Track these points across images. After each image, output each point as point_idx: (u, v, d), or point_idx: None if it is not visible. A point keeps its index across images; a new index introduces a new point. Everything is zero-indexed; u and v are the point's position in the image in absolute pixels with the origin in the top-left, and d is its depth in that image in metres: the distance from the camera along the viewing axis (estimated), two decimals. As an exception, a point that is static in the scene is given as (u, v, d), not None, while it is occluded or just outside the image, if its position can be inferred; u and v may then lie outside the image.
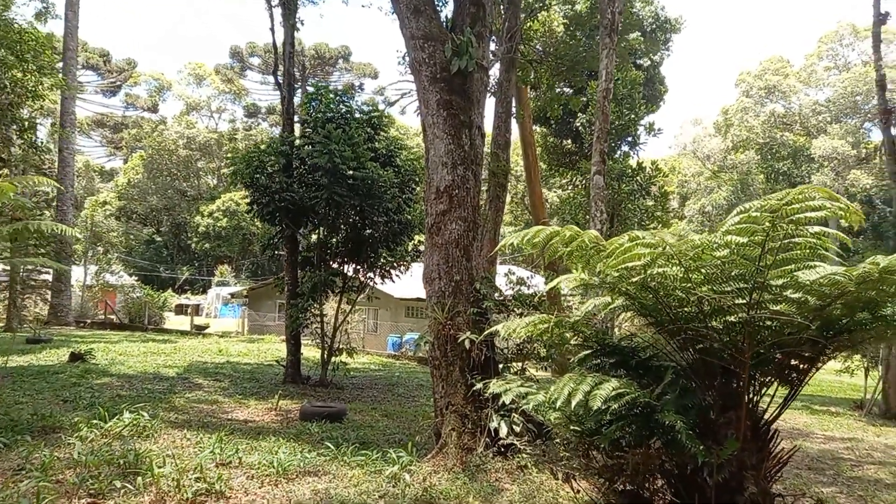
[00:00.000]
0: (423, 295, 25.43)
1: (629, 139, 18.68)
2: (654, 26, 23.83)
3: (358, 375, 17.66)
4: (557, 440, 7.58)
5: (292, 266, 15.49)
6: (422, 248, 16.04)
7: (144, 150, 70.30)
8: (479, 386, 7.66)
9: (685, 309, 4.93)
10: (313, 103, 15.48)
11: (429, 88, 8.38)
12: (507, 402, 7.54)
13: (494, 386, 7.31)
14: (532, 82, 15.90)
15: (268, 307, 33.02)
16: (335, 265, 15.84)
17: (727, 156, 57.51)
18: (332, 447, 8.11)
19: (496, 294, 8.16)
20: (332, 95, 15.52)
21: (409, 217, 15.02)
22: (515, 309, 8.09)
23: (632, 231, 4.79)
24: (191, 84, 76.02)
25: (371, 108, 15.75)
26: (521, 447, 7.52)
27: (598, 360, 5.52)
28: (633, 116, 18.68)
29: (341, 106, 15.52)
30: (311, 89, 15.74)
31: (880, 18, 17.24)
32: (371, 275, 15.86)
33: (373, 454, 7.73)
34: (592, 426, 4.80)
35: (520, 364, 8.14)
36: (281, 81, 16.22)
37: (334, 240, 15.83)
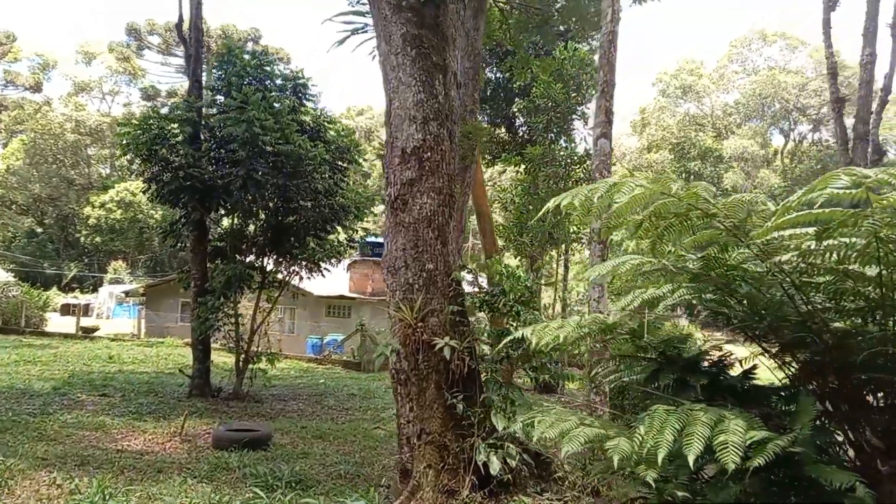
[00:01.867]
0: (346, 292, 23.01)
1: (579, 120, 17.39)
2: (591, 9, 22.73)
3: (278, 384, 15.36)
4: (563, 476, 5.88)
5: (200, 257, 13.02)
6: (358, 236, 14.01)
7: (26, 134, 63.33)
8: (462, 407, 5.84)
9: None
10: (226, 66, 13.06)
11: (391, 19, 6.43)
12: (501, 429, 5.80)
13: (506, 420, 5.53)
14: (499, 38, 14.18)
15: (169, 306, 29.63)
16: (252, 257, 13.51)
17: (642, 154, 58.38)
18: (262, 493, 6.06)
19: (478, 287, 6.33)
20: (247, 57, 13.17)
21: (343, 201, 12.91)
22: (502, 308, 6.30)
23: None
24: (80, 63, 69.32)
25: (296, 73, 13.51)
26: (519, 487, 5.76)
27: (670, 380, 3.80)
28: (580, 98, 17.37)
29: (260, 71, 13.21)
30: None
31: (830, 4, 16.74)
32: (296, 268, 13.63)
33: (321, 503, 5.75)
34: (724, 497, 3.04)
35: (508, 376, 6.34)
36: (186, 36, 13.67)
37: (252, 227, 13.49)
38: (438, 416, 5.92)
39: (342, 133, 13.62)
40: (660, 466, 2.96)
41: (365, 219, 13.82)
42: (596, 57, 18.20)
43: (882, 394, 3.27)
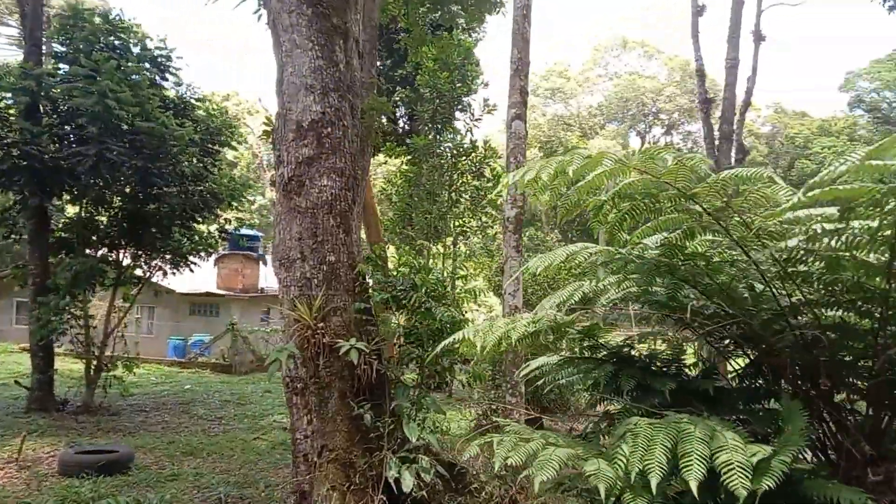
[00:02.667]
0: (213, 289, 21.24)
1: (463, 112, 17.02)
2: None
3: (137, 393, 13.66)
4: (480, 487, 5.36)
5: (40, 250, 11.16)
6: (232, 226, 12.70)
7: None
8: (370, 417, 5.13)
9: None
10: (72, 31, 11.27)
11: (285, -28, 5.56)
12: (415, 440, 5.16)
13: (418, 429, 4.89)
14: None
15: (1, 307, 26.00)
16: (105, 250, 11.83)
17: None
18: (124, 532, 5.02)
19: (387, 281, 5.63)
20: (98, 20, 11.47)
21: (215, 187, 11.60)
22: (412, 304, 5.64)
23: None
24: None
25: (158, 42, 11.96)
26: (434, 503, 5.15)
27: (631, 384, 3.34)
28: (465, 89, 17.03)
29: (114, 38, 11.56)
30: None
31: (698, 10, 17.62)
32: (159, 263, 12.11)
33: (200, 542, 4.82)
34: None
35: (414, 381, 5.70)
36: (22, -9, 11.66)
37: (105, 216, 11.81)
38: (343, 429, 5.16)
39: (213, 112, 12.26)
40: (654, 495, 2.45)
41: (241, 207, 12.56)
42: (477, 50, 17.86)
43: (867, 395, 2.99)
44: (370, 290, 5.66)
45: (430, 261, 18.24)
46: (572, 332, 3.48)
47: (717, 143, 16.23)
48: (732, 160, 15.96)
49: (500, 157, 18.67)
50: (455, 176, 16.60)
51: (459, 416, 9.09)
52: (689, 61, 59.52)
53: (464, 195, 17.06)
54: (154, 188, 11.20)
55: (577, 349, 3.69)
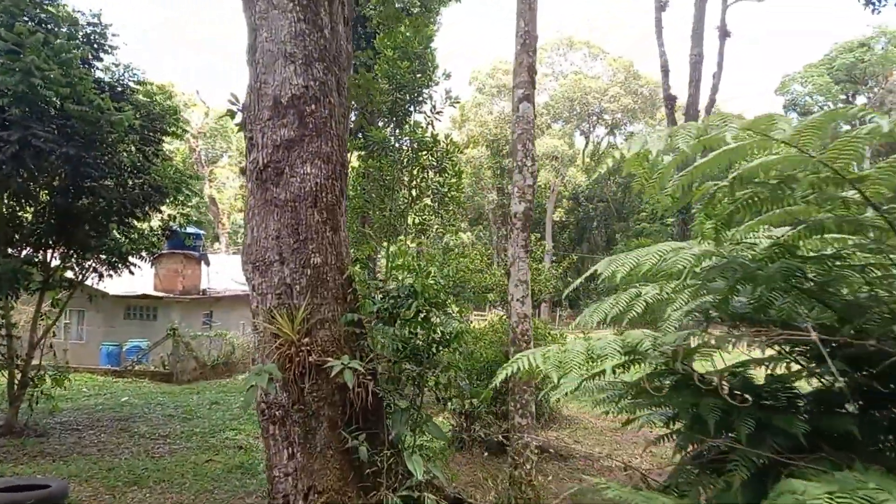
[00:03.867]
0: (150, 291, 19.72)
1: (424, 104, 16.25)
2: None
3: (68, 409, 12.31)
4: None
5: (-48, 250, 9.76)
6: (177, 222, 11.46)
7: None
8: (366, 450, 4.31)
9: None
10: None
11: (259, -82, 4.66)
12: (420, 476, 4.36)
13: (423, 462, 4.12)
14: None
15: None
16: (30, 250, 10.49)
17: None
18: None
19: (382, 288, 4.81)
20: (23, -9, 10.12)
21: (158, 179, 10.41)
22: (410, 314, 4.84)
23: None
24: None
25: (91, 17, 10.68)
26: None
27: (750, 427, 2.64)
28: (426, 80, 16.25)
29: (40, 9, 10.24)
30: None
31: (661, 5, 17.39)
32: (94, 264, 10.83)
33: None
34: None
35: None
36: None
37: (30, 211, 10.46)
38: (334, 465, 4.31)
39: (155, 96, 11.05)
40: None
41: (187, 202, 11.39)
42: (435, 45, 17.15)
43: None
44: (361, 299, 4.82)
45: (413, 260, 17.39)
46: (656, 355, 2.78)
47: (682, 140, 16.02)
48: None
49: (462, 153, 18.00)
50: (415, 171, 15.82)
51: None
52: (633, 62, 60.45)
53: (425, 192, 16.30)
54: (88, 180, 9.94)
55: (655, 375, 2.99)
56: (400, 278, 4.85)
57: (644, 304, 3.16)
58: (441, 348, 4.90)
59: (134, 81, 11.08)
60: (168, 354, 18.61)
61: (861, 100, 50.26)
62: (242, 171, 4.91)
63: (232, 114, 5.44)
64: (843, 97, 50.80)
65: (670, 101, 16.17)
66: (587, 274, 3.15)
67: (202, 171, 49.43)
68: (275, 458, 4.44)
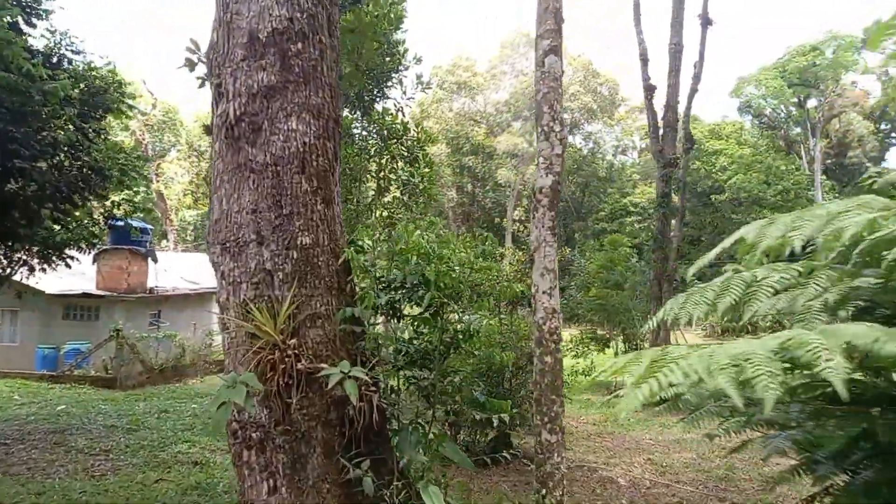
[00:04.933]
0: (92, 289, 18.15)
1: (394, 90, 15.26)
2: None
3: (-7, 420, 10.91)
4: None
5: None
6: (122, 210, 10.16)
7: None
8: (371, 481, 3.37)
9: None
10: None
11: None
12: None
13: (440, 491, 3.24)
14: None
15: None
16: (-53, 240, 9.12)
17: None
18: None
19: (384, 276, 3.86)
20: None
21: (99, 159, 9.15)
22: (422, 308, 3.92)
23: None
24: None
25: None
26: None
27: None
28: (395, 63, 15.28)
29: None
30: None
31: (638, -5, 16.84)
32: (25, 257, 9.49)
33: None
34: None
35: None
36: None
37: (-54, 195, 9.08)
38: (332, 501, 3.35)
39: (94, 68, 9.76)
40: None
41: (136, 187, 10.13)
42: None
43: None
44: (358, 289, 3.86)
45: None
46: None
47: (661, 132, 15.48)
48: (682, 150, 15.30)
49: (434, 143, 17.08)
50: (384, 161, 14.84)
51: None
52: (591, 61, 60.74)
53: (394, 183, 15.33)
54: (16, 160, 8.64)
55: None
56: (405, 265, 3.91)
57: (771, 290, 2.35)
58: (453, 350, 3.99)
59: (72, 51, 9.78)
60: (111, 358, 17.12)
61: (812, 103, 51.46)
62: (207, 131, 3.91)
63: (191, 64, 4.42)
64: (796, 100, 51.93)
65: (649, 90, 15.62)
66: (718, 249, 2.34)
67: (152, 166, 47.06)
68: (250, 493, 3.45)
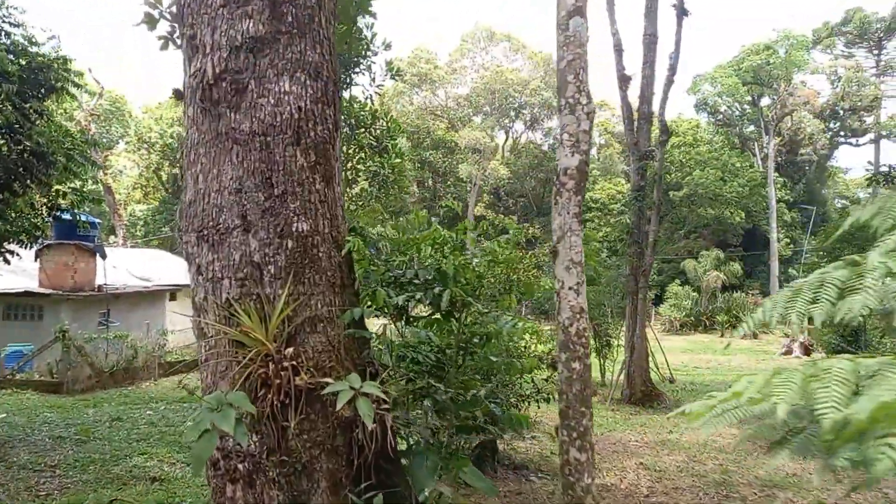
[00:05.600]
0: (34, 287, 16.86)
1: (362, 76, 14.53)
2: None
3: (-78, 434, 9.83)
4: None
5: None
6: (68, 201, 9.16)
7: None
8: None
9: None
10: None
11: None
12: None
13: None
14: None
15: None
16: None
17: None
18: None
19: (392, 270, 3.25)
20: None
21: (42, 142, 8.21)
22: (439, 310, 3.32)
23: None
24: None
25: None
26: None
27: None
28: (362, 48, 14.57)
29: None
30: None
31: (612, -18, 16.47)
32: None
33: None
34: None
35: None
36: None
37: None
38: (339, 548, 2.74)
39: (35, 43, 8.80)
40: None
41: (84, 175, 9.20)
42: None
43: None
44: (360, 287, 3.24)
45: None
46: None
47: (636, 123, 15.17)
48: (658, 142, 15.01)
49: (403, 134, 16.45)
50: (351, 151, 14.13)
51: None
52: (552, 56, 60.77)
53: (362, 174, 14.65)
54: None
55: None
56: (415, 258, 3.30)
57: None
58: (468, 357, 3.42)
59: (9, 23, 8.80)
60: (57, 361, 15.94)
61: (766, 101, 52.51)
62: (178, 95, 3.20)
63: (150, 21, 3.72)
64: (749, 98, 52.91)
65: (624, 81, 15.27)
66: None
67: (96, 156, 44.97)
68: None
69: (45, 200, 8.88)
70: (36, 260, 18.36)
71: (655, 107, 15.00)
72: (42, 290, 18.33)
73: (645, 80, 15.02)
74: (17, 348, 17.17)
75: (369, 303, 3.20)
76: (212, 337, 2.89)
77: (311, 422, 2.73)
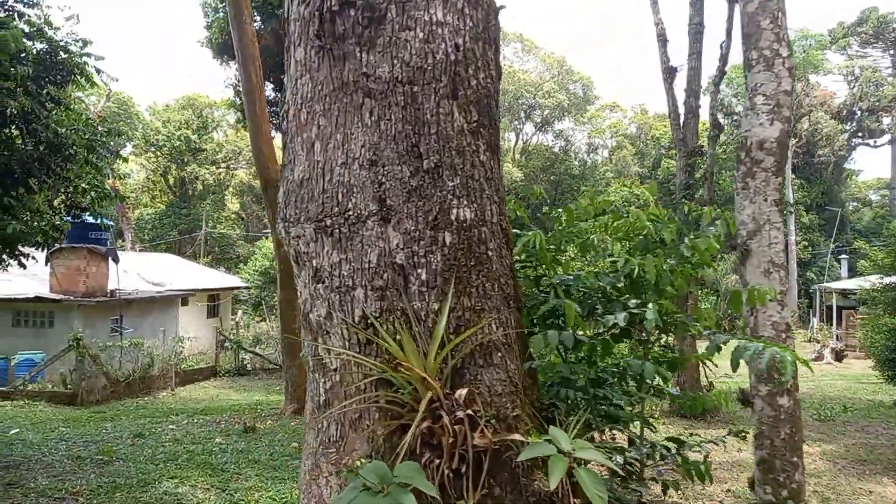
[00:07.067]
0: (45, 293, 15.95)
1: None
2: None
3: (-72, 455, 9.00)
4: None
5: None
6: (89, 199, 8.20)
7: None
8: None
9: None
10: None
11: None
12: None
13: None
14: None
15: None
16: None
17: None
18: None
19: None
20: None
21: (60, 131, 7.36)
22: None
23: None
24: None
25: None
26: None
27: None
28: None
29: None
30: None
31: (654, -31, 15.60)
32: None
33: None
34: None
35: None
36: None
37: None
38: None
39: (52, 26, 7.97)
40: None
41: (107, 168, 8.36)
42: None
43: None
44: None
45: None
46: None
47: (682, 118, 14.28)
48: (707, 138, 14.12)
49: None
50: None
51: None
52: (565, 58, 59.94)
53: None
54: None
55: None
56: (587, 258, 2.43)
57: None
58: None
59: (24, 3, 7.98)
60: (71, 370, 15.14)
61: (783, 100, 51.52)
62: (277, 35, 2.30)
63: None
64: (767, 98, 51.92)
65: (670, 73, 14.38)
66: None
67: (119, 141, 44.12)
68: None
69: (64, 198, 8.03)
70: (47, 264, 17.55)
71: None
72: (53, 296, 17.54)
73: (692, 72, 14.14)
74: (28, 356, 16.38)
75: (532, 321, 2.34)
76: (338, 369, 2.03)
77: (497, 500, 1.86)
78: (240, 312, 30.12)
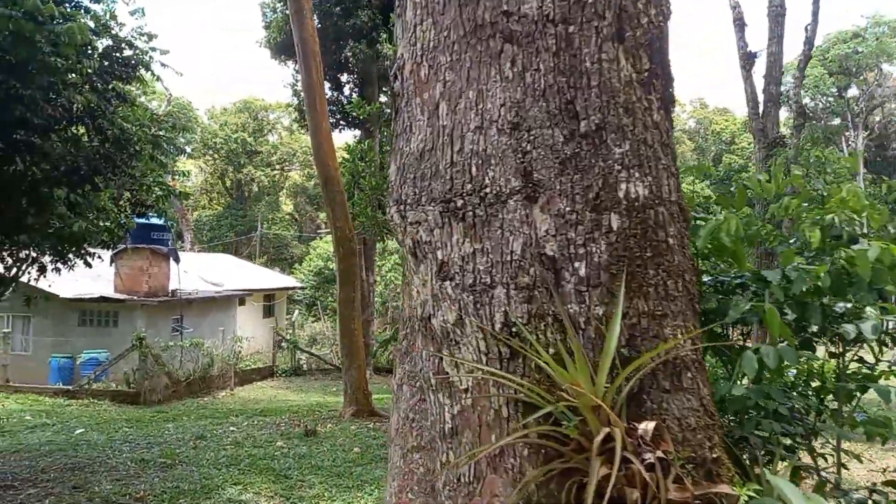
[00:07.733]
0: (110, 293, 16.07)
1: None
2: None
3: (2, 450, 9.05)
4: None
5: None
6: (154, 197, 8.07)
7: None
8: None
9: None
10: None
11: None
12: None
13: None
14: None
15: None
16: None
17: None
18: None
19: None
20: None
21: (127, 127, 7.21)
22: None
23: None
24: None
25: None
26: None
27: None
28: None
29: None
30: None
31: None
32: (34, 254, 7.60)
33: None
34: None
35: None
36: None
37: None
38: None
39: (117, 20, 7.85)
40: None
41: (172, 163, 8.21)
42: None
43: None
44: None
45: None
46: None
47: (761, 106, 13.44)
48: (792, 127, 13.26)
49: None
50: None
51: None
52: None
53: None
54: (21, 131, 6.74)
55: None
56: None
57: None
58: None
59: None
60: (134, 370, 15.27)
61: (853, 92, 49.23)
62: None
63: None
64: (835, 90, 49.66)
65: (749, 59, 13.55)
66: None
67: (186, 137, 45.19)
68: None
69: (130, 195, 7.89)
70: (111, 264, 17.82)
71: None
72: (117, 296, 17.80)
73: (772, 58, 13.28)
74: (93, 355, 16.63)
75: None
76: (469, 391, 1.58)
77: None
78: (295, 312, 30.26)
